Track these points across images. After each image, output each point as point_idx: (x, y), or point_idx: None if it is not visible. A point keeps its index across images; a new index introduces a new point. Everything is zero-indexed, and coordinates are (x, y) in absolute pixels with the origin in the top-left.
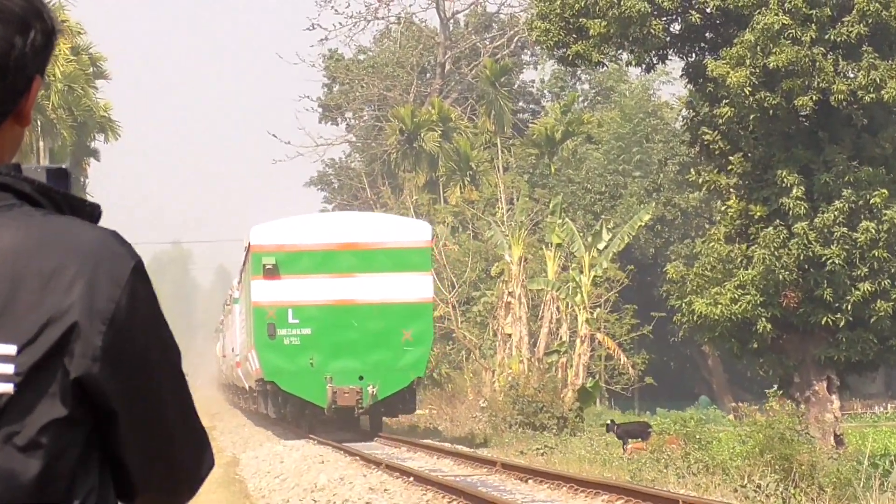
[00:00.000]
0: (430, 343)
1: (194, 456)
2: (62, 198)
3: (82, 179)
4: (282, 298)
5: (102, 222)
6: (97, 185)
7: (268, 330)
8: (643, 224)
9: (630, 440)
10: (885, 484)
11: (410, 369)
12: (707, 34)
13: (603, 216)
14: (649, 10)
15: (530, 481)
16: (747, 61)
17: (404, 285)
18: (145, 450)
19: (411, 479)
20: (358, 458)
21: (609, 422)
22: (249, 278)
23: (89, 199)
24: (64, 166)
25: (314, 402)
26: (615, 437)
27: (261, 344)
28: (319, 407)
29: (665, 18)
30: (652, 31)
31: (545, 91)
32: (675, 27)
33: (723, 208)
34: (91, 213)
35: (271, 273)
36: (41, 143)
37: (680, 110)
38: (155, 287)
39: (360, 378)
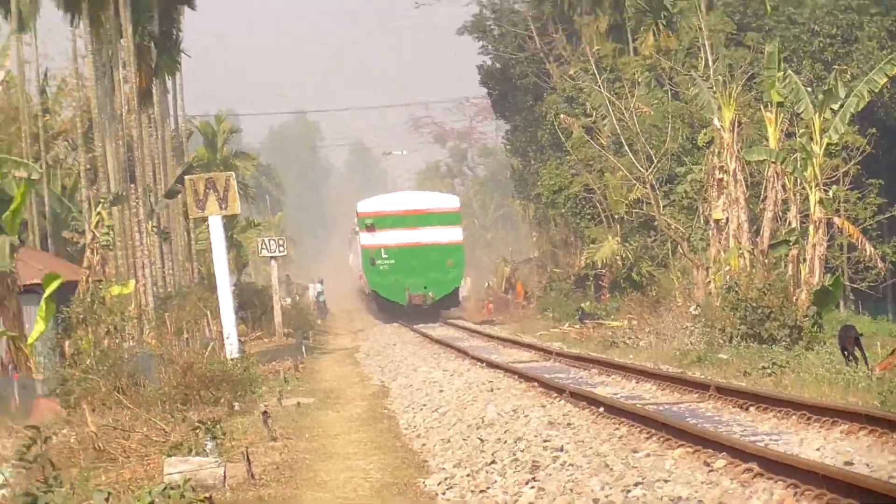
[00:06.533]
0: (462, 266)
1: None
2: None
3: (174, 33)
4: (378, 242)
5: (201, 90)
6: (193, 41)
7: (370, 261)
8: (889, 77)
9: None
10: None
11: (452, 282)
12: None
13: (836, 66)
14: None
15: (752, 409)
16: None
17: (445, 234)
18: None
19: (601, 409)
20: (536, 384)
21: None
22: (358, 231)
23: (184, 58)
24: None
25: (399, 302)
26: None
27: (367, 269)
28: (401, 305)
29: None
30: None
31: None
32: None
33: None
34: None
35: (371, 228)
36: None
37: None
38: (276, 169)
39: (425, 287)
